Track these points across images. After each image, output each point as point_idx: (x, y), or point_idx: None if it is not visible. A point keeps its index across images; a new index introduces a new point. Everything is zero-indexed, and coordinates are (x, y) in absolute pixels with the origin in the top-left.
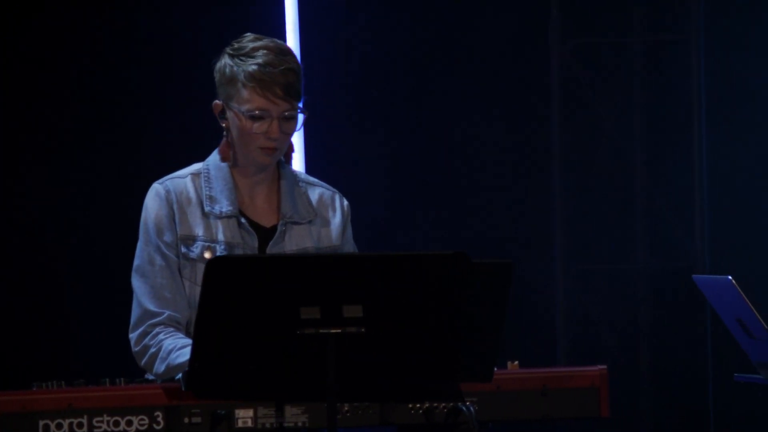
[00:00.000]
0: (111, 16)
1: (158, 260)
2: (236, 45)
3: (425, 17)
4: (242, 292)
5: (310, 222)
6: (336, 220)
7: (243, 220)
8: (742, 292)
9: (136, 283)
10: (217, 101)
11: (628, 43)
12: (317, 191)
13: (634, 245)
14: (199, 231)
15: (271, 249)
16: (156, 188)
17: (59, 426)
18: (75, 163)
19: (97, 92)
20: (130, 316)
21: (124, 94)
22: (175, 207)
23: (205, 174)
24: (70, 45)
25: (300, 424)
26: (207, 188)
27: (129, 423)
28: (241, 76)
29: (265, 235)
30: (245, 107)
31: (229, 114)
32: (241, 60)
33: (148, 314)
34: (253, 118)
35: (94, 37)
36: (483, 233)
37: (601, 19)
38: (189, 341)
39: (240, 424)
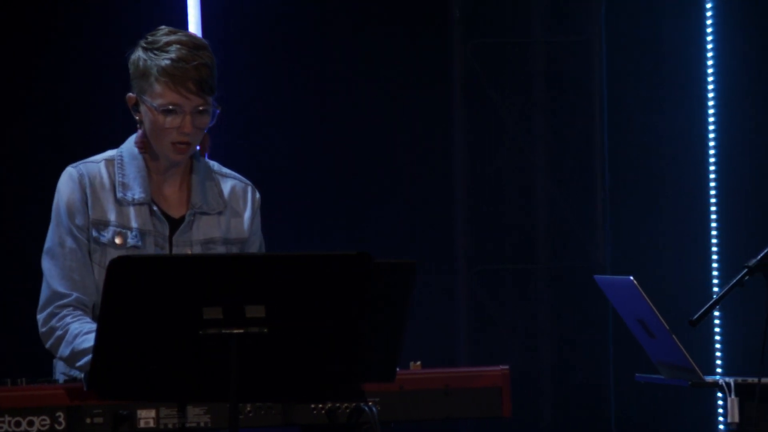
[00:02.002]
0: (19, 7)
1: (69, 243)
2: (150, 38)
3: (328, 15)
4: (144, 292)
5: (219, 213)
6: (247, 212)
7: (155, 208)
8: (643, 293)
9: (46, 264)
10: (130, 94)
11: (529, 43)
12: (230, 183)
13: (535, 245)
14: (112, 216)
15: (178, 238)
16: (69, 172)
17: None
18: None
19: (11, 81)
20: (39, 299)
21: (37, 81)
22: (88, 191)
23: (119, 161)
24: None
25: (202, 424)
26: (120, 175)
27: (30, 423)
28: (154, 71)
29: (175, 225)
30: (158, 102)
31: (142, 107)
32: (154, 54)
33: (56, 295)
34: (166, 113)
35: (2, 29)
36: (385, 233)
37: (502, 19)
38: (94, 326)
39: (142, 424)
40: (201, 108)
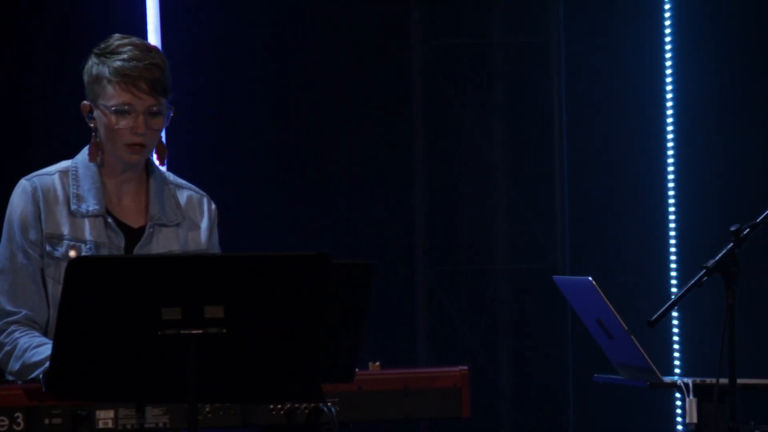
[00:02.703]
0: None
1: (20, 258)
2: (102, 45)
3: (287, 17)
4: (103, 293)
5: (177, 225)
6: (204, 223)
7: (110, 219)
8: (602, 293)
9: None
10: (85, 102)
11: (488, 44)
12: (186, 193)
13: (494, 246)
14: (65, 230)
15: (138, 251)
16: (23, 185)
17: None
18: None
19: None
20: None
21: None
22: (41, 205)
23: (74, 172)
24: None
25: (161, 425)
26: (74, 186)
27: None
28: (107, 73)
29: (133, 235)
30: (111, 102)
31: (96, 113)
32: (106, 57)
33: (4, 312)
34: (119, 113)
35: None
36: (345, 233)
37: (461, 20)
38: (45, 340)
39: (101, 425)
40: (154, 108)
